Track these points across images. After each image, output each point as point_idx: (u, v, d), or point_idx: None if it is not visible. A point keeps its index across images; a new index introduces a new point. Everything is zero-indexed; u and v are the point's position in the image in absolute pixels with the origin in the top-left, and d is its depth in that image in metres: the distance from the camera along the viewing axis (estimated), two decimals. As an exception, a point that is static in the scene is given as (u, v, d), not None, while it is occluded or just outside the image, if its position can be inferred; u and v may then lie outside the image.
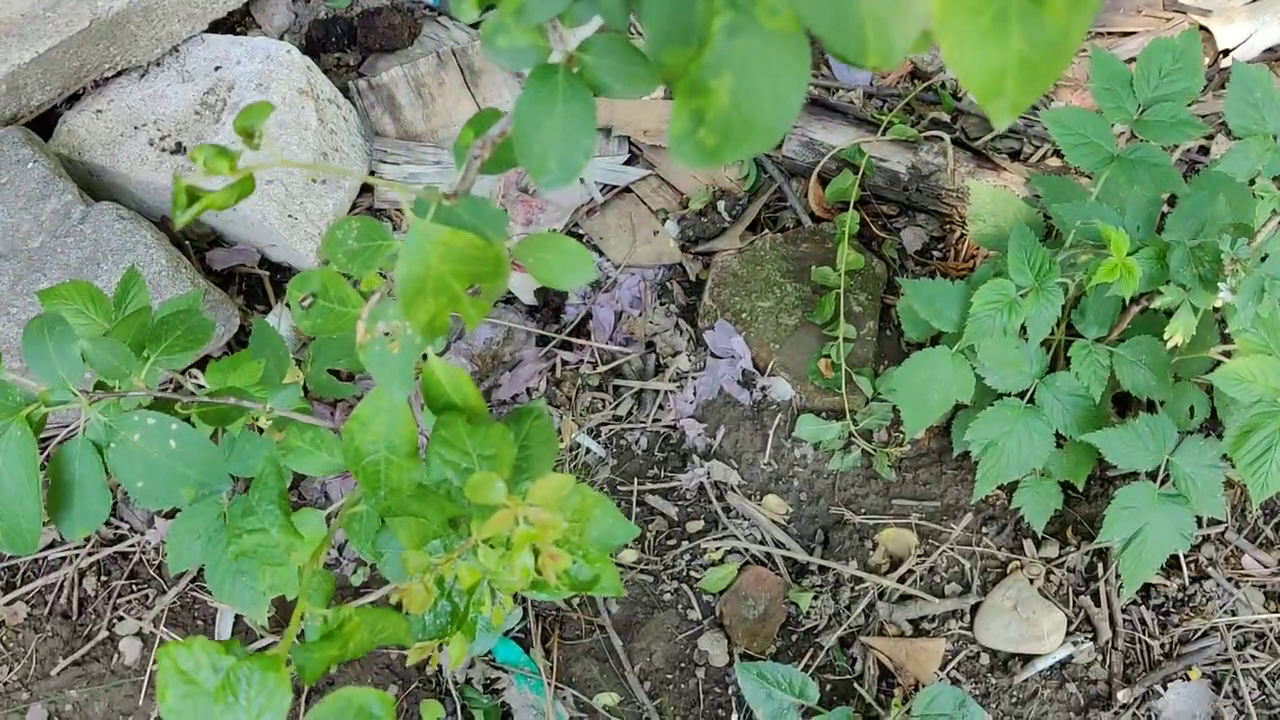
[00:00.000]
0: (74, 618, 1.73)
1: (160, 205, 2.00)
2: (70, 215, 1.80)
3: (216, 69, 2.04)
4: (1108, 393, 1.57)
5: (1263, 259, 1.24)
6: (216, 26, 2.11)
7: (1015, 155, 2.00)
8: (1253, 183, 1.27)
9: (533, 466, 1.00)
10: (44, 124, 2.00)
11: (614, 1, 0.60)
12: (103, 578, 1.73)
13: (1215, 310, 1.38)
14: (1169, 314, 1.39)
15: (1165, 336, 1.38)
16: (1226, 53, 2.09)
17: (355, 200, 2.07)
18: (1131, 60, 1.74)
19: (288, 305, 1.96)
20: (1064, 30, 0.53)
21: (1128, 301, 1.47)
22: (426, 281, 0.73)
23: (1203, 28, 2.12)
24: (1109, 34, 2.14)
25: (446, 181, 2.05)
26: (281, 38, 2.21)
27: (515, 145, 0.70)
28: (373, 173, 2.05)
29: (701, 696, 1.66)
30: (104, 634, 1.71)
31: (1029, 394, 1.57)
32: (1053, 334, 1.58)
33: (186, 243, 1.97)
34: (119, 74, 2.02)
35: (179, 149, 1.97)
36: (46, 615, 1.73)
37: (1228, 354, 1.39)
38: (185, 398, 1.07)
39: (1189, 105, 1.42)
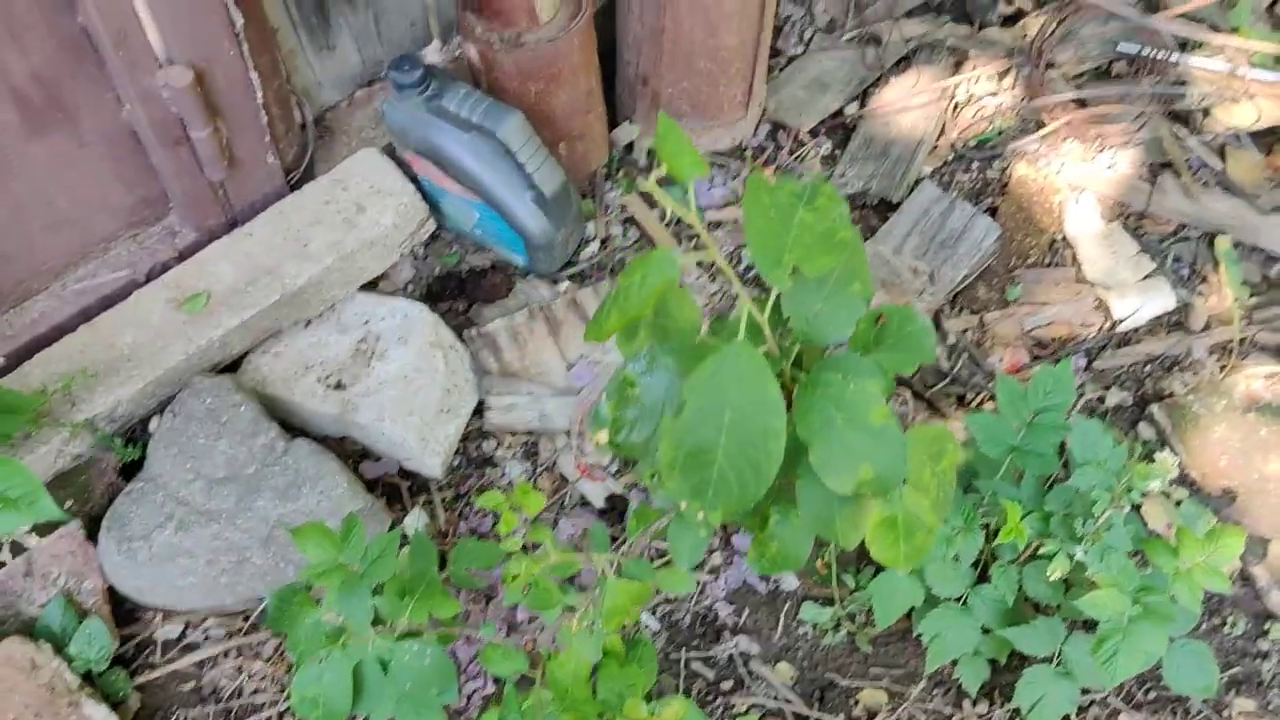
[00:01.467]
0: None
1: (323, 428, 2.67)
2: (275, 448, 2.48)
3: (365, 322, 2.73)
4: (1019, 599, 2.24)
5: (1102, 535, 1.94)
6: (362, 286, 2.81)
7: (961, 400, 2.70)
8: (1092, 492, 1.97)
9: (641, 675, 1.66)
10: (234, 363, 2.69)
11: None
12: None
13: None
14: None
15: (1049, 572, 2.06)
16: (1122, 320, 2.79)
17: (469, 421, 2.74)
18: (1024, 371, 2.45)
19: (419, 506, 2.64)
20: (920, 547, 1.22)
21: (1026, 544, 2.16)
22: (616, 608, 1.40)
23: (1101, 300, 2.83)
24: (1035, 302, 2.84)
25: (537, 408, 2.71)
26: (406, 287, 2.91)
27: (670, 546, 1.38)
28: (482, 402, 2.74)
29: (730, 811, 2.31)
30: (297, 759, 2.36)
31: (963, 599, 2.24)
32: (980, 555, 2.26)
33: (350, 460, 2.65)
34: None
35: (339, 385, 2.65)
36: (254, 744, 2.38)
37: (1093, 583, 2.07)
38: (428, 629, 1.74)
39: (1064, 411, 2.12)
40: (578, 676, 1.52)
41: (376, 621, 1.74)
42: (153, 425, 2.56)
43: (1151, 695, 2.36)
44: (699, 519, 1.11)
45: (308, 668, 1.70)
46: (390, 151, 2.82)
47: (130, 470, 2.52)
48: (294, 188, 2.71)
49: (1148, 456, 2.56)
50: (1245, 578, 2.44)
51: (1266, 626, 2.40)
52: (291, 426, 2.65)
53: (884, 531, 1.21)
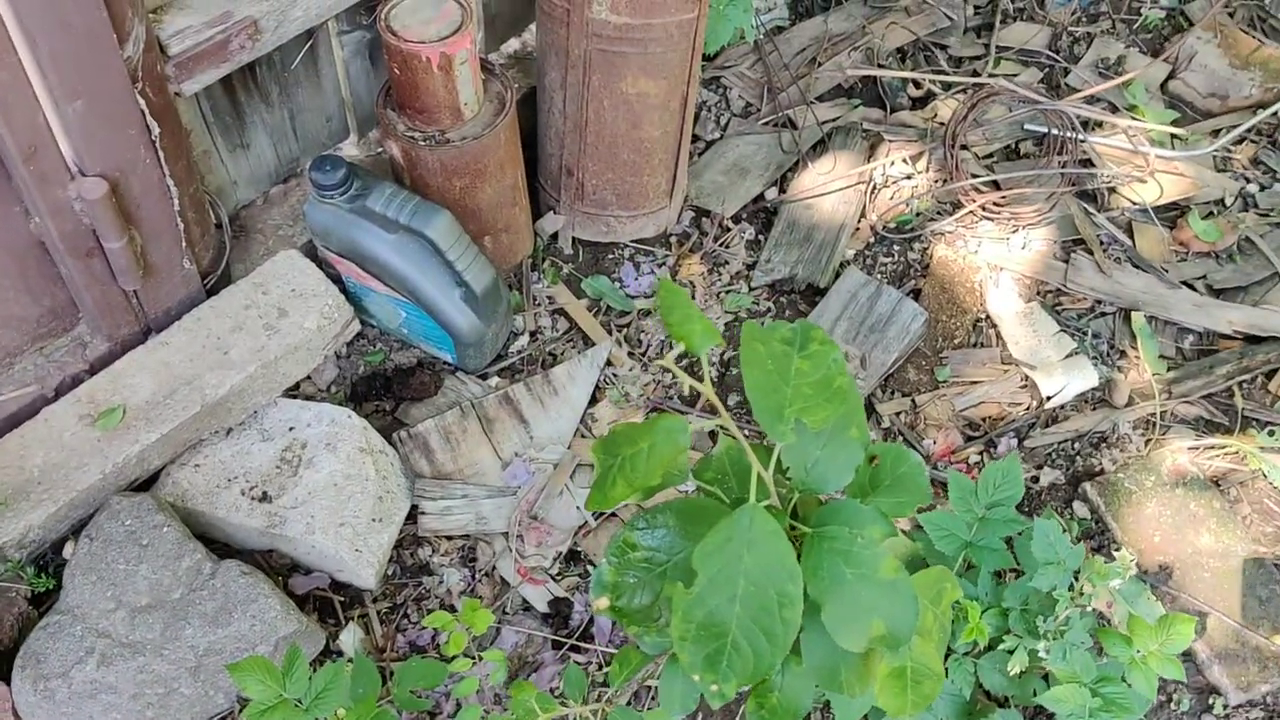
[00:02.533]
0: None
1: (248, 542, 2.55)
2: (202, 571, 2.35)
3: (290, 429, 2.63)
4: (975, 692, 2.23)
5: (1063, 632, 1.95)
6: (285, 391, 2.71)
7: (900, 486, 2.70)
8: (1053, 591, 1.98)
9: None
10: (151, 477, 2.56)
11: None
12: None
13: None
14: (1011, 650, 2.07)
15: (1009, 666, 2.06)
16: (1049, 399, 2.84)
17: (403, 527, 2.65)
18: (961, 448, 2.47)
19: (354, 621, 2.54)
20: (927, 695, 1.19)
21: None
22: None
23: (1028, 379, 2.88)
24: (964, 382, 2.88)
25: (473, 510, 2.64)
26: (329, 389, 2.82)
27: (661, 695, 1.33)
28: (415, 507, 2.65)
29: None
30: None
31: (921, 694, 2.23)
32: (935, 649, 2.25)
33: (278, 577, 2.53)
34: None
35: (265, 498, 2.54)
36: None
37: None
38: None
39: (1014, 505, 2.13)
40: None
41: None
42: (67, 551, 2.41)
43: (1105, 778, 2.37)
44: (713, 691, 1.07)
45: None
46: (310, 251, 2.74)
47: (43, 600, 2.37)
48: (211, 292, 2.61)
49: (1086, 536, 2.60)
50: (1186, 653, 2.47)
51: (1211, 701, 2.44)
52: (214, 541, 2.53)
53: (893, 682, 1.18)
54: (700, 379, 2.67)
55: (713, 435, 2.78)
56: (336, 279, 2.71)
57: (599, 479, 1.06)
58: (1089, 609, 2.02)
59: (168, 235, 2.40)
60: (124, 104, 2.11)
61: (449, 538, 2.63)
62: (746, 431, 2.70)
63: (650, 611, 1.14)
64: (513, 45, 3.16)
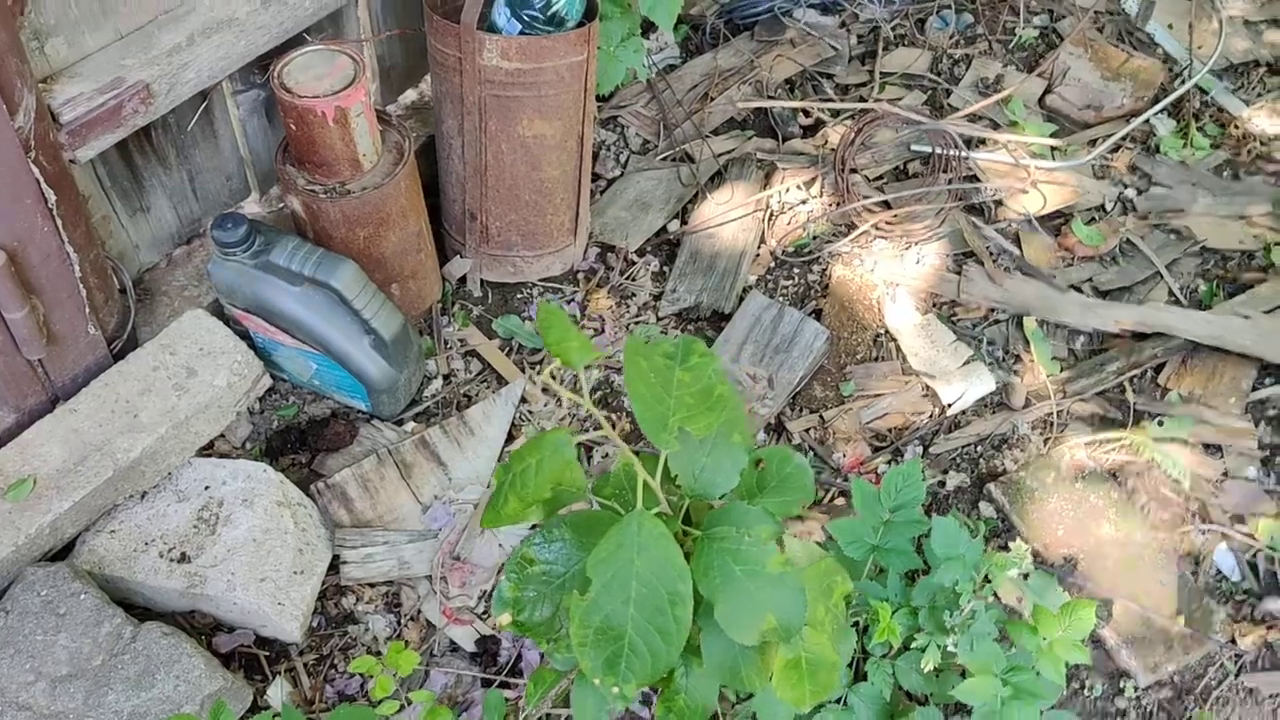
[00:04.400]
0: None
1: (169, 604, 2.54)
2: (122, 635, 2.34)
3: (206, 488, 2.63)
4: (895, 693, 2.30)
5: (969, 625, 2.02)
6: (199, 450, 2.71)
7: (815, 501, 2.78)
8: (956, 585, 2.06)
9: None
10: (66, 545, 2.54)
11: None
12: None
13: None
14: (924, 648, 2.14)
15: (922, 664, 2.13)
16: (950, 405, 2.94)
17: (325, 578, 2.65)
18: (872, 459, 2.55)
19: (281, 675, 2.53)
20: (825, 684, 1.25)
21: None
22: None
23: (928, 388, 2.97)
24: (868, 395, 2.97)
25: (395, 556, 2.66)
26: (244, 445, 2.82)
27: (575, 709, 1.36)
28: (337, 557, 2.66)
29: None
30: None
31: (843, 700, 2.29)
32: (853, 654, 2.31)
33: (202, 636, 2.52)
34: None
35: (184, 558, 2.53)
36: None
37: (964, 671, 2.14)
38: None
39: (918, 507, 2.21)
40: None
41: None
42: (-18, 627, 2.38)
43: (1027, 768, 2.45)
44: (615, 693, 1.11)
45: None
46: (217, 309, 2.75)
47: (-40, 679, 2.33)
48: (118, 356, 2.61)
49: (993, 535, 2.69)
50: (1095, 640, 2.57)
51: (1121, 684, 2.53)
52: (134, 606, 2.52)
53: (790, 673, 1.23)
54: (623, 407, 2.71)
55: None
56: (245, 335, 2.72)
57: (492, 498, 1.10)
58: (993, 601, 2.09)
59: (70, 302, 2.40)
60: (18, 174, 2.12)
61: (372, 585, 2.64)
62: (641, 446, 2.75)
63: (552, 623, 1.19)
64: (410, 96, 3.22)
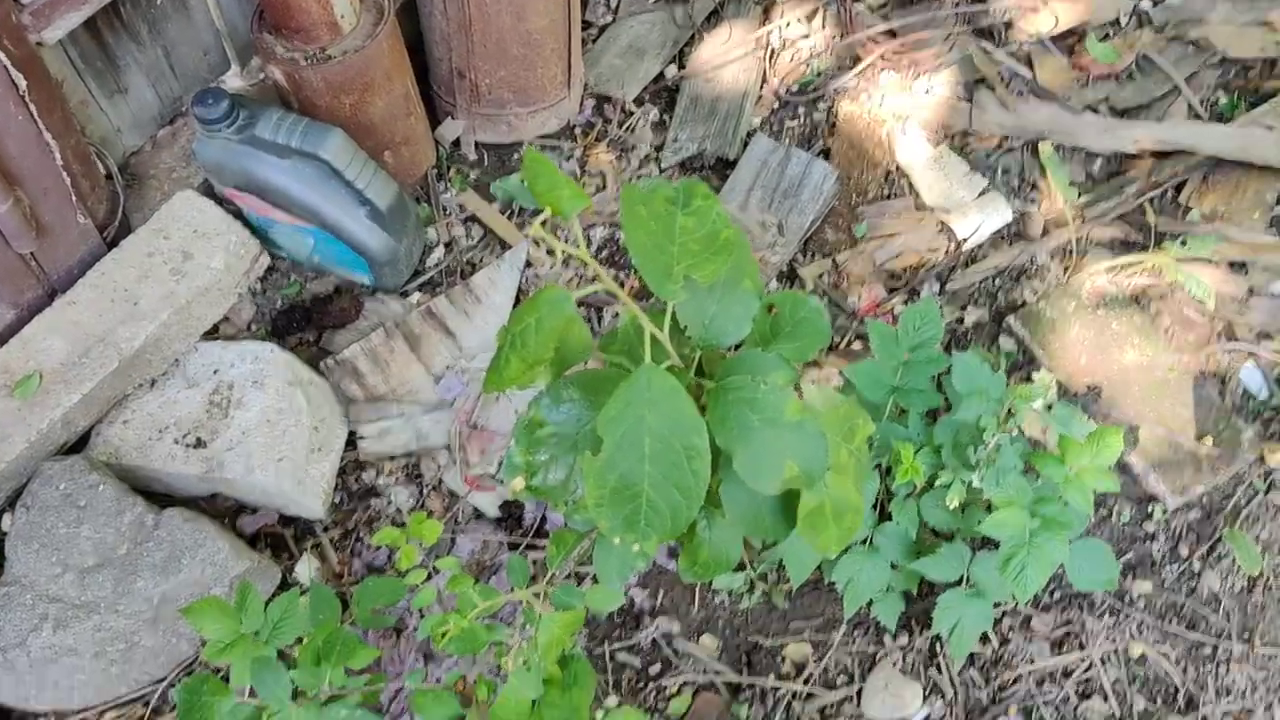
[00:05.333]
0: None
1: (189, 490, 2.54)
2: (145, 523, 2.34)
3: (215, 372, 2.60)
4: (920, 530, 2.29)
5: (994, 460, 1.99)
6: (204, 334, 2.67)
7: (831, 346, 2.73)
8: (980, 420, 2.02)
9: (583, 695, 1.63)
10: (81, 439, 2.53)
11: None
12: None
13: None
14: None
15: (948, 501, 2.11)
16: (966, 240, 2.86)
17: (343, 454, 2.64)
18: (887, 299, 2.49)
19: (308, 552, 2.54)
20: (850, 527, 1.21)
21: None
22: (553, 641, 1.36)
23: (943, 223, 2.89)
24: (881, 235, 2.89)
25: (412, 428, 2.63)
26: (249, 327, 2.78)
27: (597, 567, 1.34)
28: (353, 433, 2.64)
29: (682, 793, 2.31)
30: (231, 839, 2.26)
31: (869, 540, 2.28)
32: (878, 496, 2.29)
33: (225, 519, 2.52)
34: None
35: (199, 443, 2.51)
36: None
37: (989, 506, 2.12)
38: (349, 689, 1.67)
39: (936, 345, 2.16)
40: (521, 713, 1.48)
41: (295, 694, 1.66)
42: (5, 523, 2.39)
43: (1057, 595, 2.46)
44: (635, 550, 1.08)
45: (234, 758, 1.62)
46: (208, 190, 2.67)
47: (-11, 576, 2.35)
48: (111, 244, 2.55)
49: (1014, 369, 2.65)
50: (1122, 467, 2.54)
51: (1150, 509, 2.52)
52: (155, 495, 2.51)
53: (814, 520, 1.20)
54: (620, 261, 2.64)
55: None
56: (239, 214, 2.65)
57: (494, 360, 1.05)
58: (1017, 434, 2.06)
59: (55, 192, 2.33)
60: (-20, 59, 2.03)
61: (391, 458, 2.63)
62: (651, 303, 2.70)
63: (567, 485, 1.15)
64: (386, -48, 3.06)
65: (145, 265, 2.51)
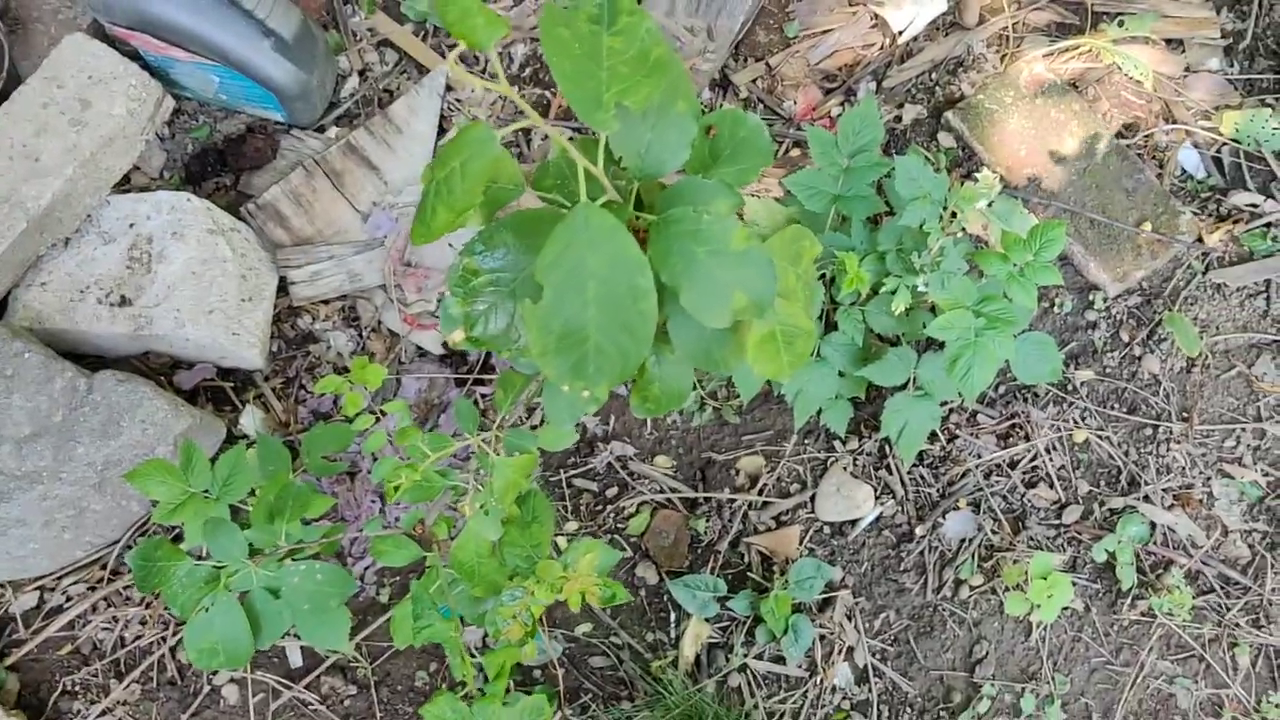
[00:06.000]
0: (179, 682, 2.29)
1: (119, 349, 2.46)
2: (78, 388, 2.27)
3: (131, 226, 2.48)
4: (867, 337, 2.28)
5: (939, 263, 1.97)
6: (115, 187, 2.54)
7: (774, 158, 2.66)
8: (923, 225, 1.98)
9: (543, 530, 1.63)
10: (-1, 307, 2.43)
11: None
12: (189, 649, 2.30)
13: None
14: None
15: (893, 307, 2.09)
16: (901, 33, 2.77)
17: (276, 302, 2.56)
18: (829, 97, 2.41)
19: (251, 403, 2.50)
20: (801, 353, 1.18)
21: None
22: (509, 485, 1.34)
23: (877, 16, 2.79)
24: (814, 34, 2.78)
25: (344, 270, 2.56)
26: (162, 175, 2.65)
27: (547, 409, 1.31)
28: (283, 279, 2.56)
29: (647, 608, 2.37)
30: (207, 688, 2.29)
31: (816, 351, 2.27)
32: (824, 307, 2.27)
33: (161, 376, 2.46)
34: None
35: (124, 301, 2.42)
36: (156, 687, 2.29)
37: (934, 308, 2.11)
38: (306, 542, 1.65)
39: (877, 149, 2.10)
40: (481, 554, 1.48)
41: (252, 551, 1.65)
42: (-70, 401, 2.31)
43: (1001, 390, 2.49)
44: (585, 397, 1.05)
45: (196, 620, 1.60)
46: (99, 31, 2.49)
47: (-78, 454, 2.28)
48: (1, 99, 2.38)
49: (954, 165, 2.61)
50: (1063, 258, 2.54)
51: (1091, 298, 2.53)
52: (85, 358, 2.44)
53: (765, 347, 1.17)
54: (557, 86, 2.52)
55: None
56: (135, 55, 2.48)
57: (419, 210, 0.99)
58: (961, 235, 2.03)
59: (-72, 43, 2.16)
60: None
61: (326, 301, 2.56)
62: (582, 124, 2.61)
63: (509, 334, 1.11)
64: None
65: (41, 118, 2.35)
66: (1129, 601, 2.39)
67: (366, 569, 2.40)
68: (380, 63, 2.73)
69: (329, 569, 1.63)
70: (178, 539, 2.25)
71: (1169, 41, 2.72)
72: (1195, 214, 2.58)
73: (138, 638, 2.32)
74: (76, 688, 2.31)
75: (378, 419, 2.32)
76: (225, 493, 1.81)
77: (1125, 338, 2.52)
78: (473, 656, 2.21)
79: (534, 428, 1.59)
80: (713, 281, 1.04)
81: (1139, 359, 2.50)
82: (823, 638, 2.35)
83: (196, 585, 1.65)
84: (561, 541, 2.35)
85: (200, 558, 1.65)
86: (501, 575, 1.49)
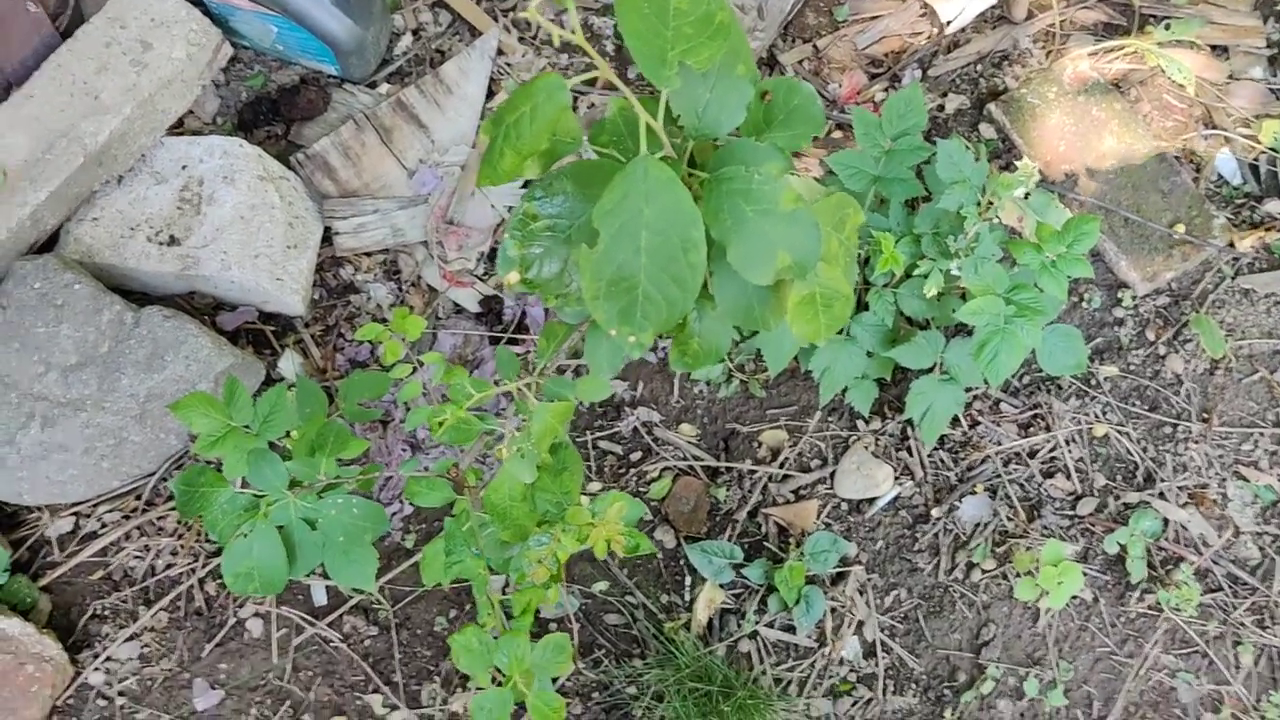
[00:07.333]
0: (206, 613, 2.37)
1: (167, 288, 2.52)
2: (124, 322, 2.33)
3: (183, 168, 2.54)
4: (897, 319, 2.32)
5: (973, 248, 2.01)
6: (170, 129, 2.60)
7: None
8: (961, 209, 2.02)
9: (573, 480, 1.68)
10: (50, 239, 2.49)
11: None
12: (218, 580, 2.37)
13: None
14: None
15: (926, 290, 2.14)
16: (949, 23, 2.80)
17: (320, 250, 2.62)
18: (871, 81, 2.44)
19: (290, 348, 2.56)
20: (839, 316, 1.23)
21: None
22: (546, 430, 1.40)
23: (926, 5, 2.81)
24: (863, 19, 2.81)
25: (387, 224, 2.61)
26: (215, 121, 2.71)
27: (588, 358, 1.36)
28: (329, 229, 2.62)
29: (663, 570, 2.43)
30: (232, 620, 2.36)
31: (846, 330, 2.32)
32: (856, 287, 2.32)
33: (204, 316, 2.52)
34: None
35: (173, 241, 2.49)
36: (184, 616, 2.36)
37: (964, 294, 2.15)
38: (345, 479, 1.71)
39: (919, 133, 2.14)
40: (514, 498, 1.53)
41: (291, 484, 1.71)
42: (-18, 324, 2.38)
43: (1026, 380, 2.53)
44: (631, 342, 1.10)
45: (234, 545, 1.67)
46: (162, -26, 2.55)
47: (-29, 376, 2.35)
48: (65, 35, 2.44)
49: (994, 157, 2.64)
50: (1094, 253, 2.57)
51: (1119, 295, 2.56)
52: (132, 294, 2.50)
53: (804, 309, 1.22)
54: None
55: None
56: (197, 1, 2.54)
57: (486, 153, 1.04)
58: (996, 222, 2.07)
59: (0, -24, 2.22)
60: None
61: (368, 254, 2.62)
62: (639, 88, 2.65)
63: (561, 279, 1.16)
64: None
65: (103, 56, 2.42)
66: (1137, 594, 2.43)
67: (393, 515, 2.46)
68: (434, 23, 2.78)
69: (365, 503, 1.70)
70: (217, 471, 2.32)
71: (1214, 48, 2.74)
72: (1228, 219, 2.60)
73: (168, 567, 2.39)
74: (106, 612, 2.38)
75: (414, 370, 2.38)
76: (265, 429, 1.87)
77: (1151, 336, 2.55)
78: (493, 605, 2.27)
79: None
80: (760, 239, 1.09)
81: (1163, 358, 2.53)
82: (834, 610, 2.40)
83: (237, 512, 1.71)
84: (584, 501, 2.40)
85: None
86: (531, 520, 1.55)
